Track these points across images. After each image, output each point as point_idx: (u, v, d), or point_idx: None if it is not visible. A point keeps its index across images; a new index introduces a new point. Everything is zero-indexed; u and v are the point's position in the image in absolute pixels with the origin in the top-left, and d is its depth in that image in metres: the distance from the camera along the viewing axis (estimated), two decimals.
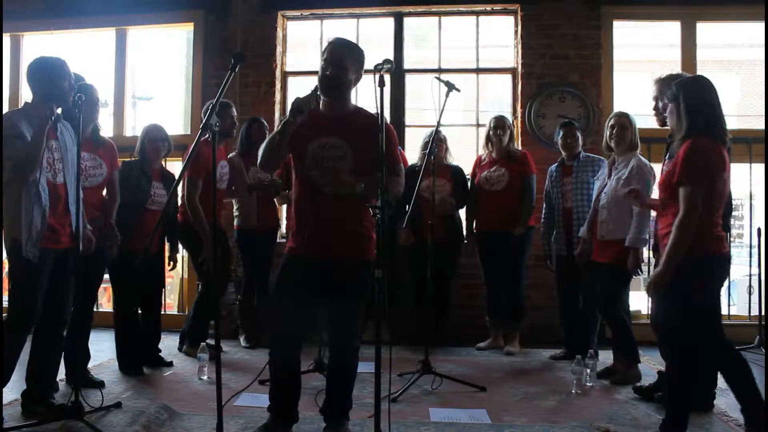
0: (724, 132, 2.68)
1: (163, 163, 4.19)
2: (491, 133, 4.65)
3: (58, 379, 3.28)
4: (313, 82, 2.73)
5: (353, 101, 2.80)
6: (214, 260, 2.77)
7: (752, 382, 2.65)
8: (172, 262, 4.20)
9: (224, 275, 4.51)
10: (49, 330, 3.05)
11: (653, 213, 3.34)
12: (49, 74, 2.93)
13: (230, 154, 4.55)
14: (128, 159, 4.10)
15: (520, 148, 5.04)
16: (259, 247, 4.57)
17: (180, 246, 4.32)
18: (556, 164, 4.50)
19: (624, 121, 3.81)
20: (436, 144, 4.00)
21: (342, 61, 2.63)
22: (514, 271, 4.64)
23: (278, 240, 4.83)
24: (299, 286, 2.64)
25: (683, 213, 2.59)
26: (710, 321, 2.67)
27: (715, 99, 2.70)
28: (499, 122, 4.66)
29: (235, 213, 4.66)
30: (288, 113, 2.59)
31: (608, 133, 3.84)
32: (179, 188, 3.20)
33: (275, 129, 2.66)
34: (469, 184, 4.87)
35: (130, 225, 3.75)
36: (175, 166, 5.12)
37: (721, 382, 3.06)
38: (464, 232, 4.86)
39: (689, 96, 2.69)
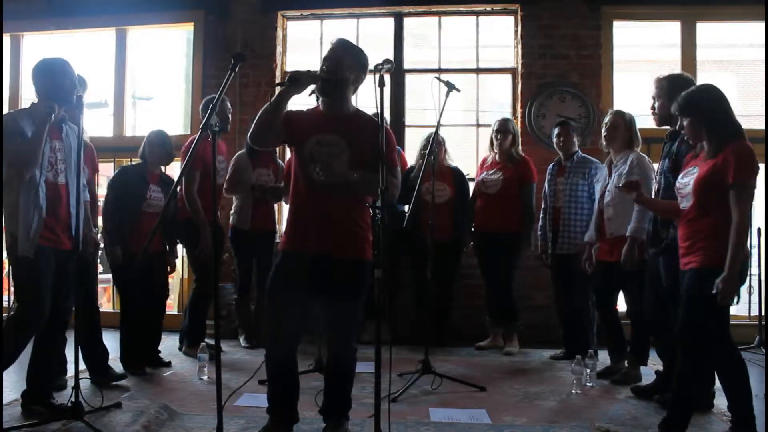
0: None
1: (163, 169, 4.15)
2: (493, 136, 4.66)
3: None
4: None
5: (353, 104, 2.78)
6: (216, 254, 2.80)
7: (748, 385, 2.65)
8: (169, 267, 4.15)
9: (219, 269, 4.50)
10: (50, 330, 3.04)
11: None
12: (50, 74, 2.94)
13: (238, 152, 4.55)
14: (127, 163, 4.08)
15: (521, 151, 5.03)
16: (255, 247, 4.57)
17: (178, 247, 4.30)
18: (553, 163, 4.52)
19: (617, 119, 3.81)
20: (435, 145, 3.99)
21: (340, 60, 2.63)
22: (504, 273, 4.64)
23: (277, 241, 4.83)
24: (292, 284, 2.63)
25: (742, 215, 2.54)
26: (724, 324, 2.66)
27: (729, 105, 2.71)
28: (501, 126, 4.65)
29: (232, 212, 4.67)
30: (285, 81, 2.60)
31: (603, 131, 3.86)
32: (177, 185, 3.21)
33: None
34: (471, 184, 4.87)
35: (127, 228, 3.75)
36: (174, 167, 5.09)
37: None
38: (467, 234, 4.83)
39: (711, 105, 2.66)
